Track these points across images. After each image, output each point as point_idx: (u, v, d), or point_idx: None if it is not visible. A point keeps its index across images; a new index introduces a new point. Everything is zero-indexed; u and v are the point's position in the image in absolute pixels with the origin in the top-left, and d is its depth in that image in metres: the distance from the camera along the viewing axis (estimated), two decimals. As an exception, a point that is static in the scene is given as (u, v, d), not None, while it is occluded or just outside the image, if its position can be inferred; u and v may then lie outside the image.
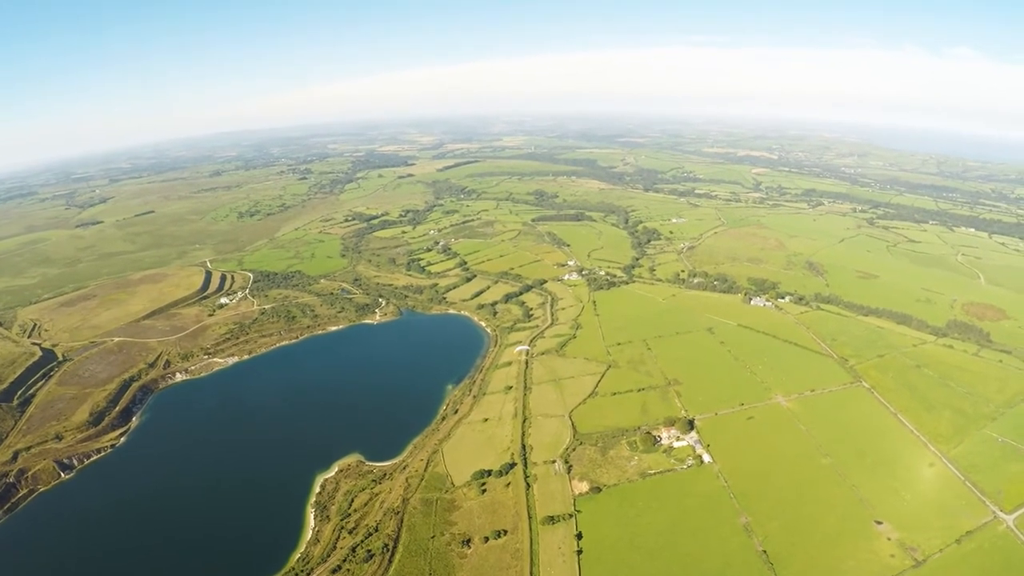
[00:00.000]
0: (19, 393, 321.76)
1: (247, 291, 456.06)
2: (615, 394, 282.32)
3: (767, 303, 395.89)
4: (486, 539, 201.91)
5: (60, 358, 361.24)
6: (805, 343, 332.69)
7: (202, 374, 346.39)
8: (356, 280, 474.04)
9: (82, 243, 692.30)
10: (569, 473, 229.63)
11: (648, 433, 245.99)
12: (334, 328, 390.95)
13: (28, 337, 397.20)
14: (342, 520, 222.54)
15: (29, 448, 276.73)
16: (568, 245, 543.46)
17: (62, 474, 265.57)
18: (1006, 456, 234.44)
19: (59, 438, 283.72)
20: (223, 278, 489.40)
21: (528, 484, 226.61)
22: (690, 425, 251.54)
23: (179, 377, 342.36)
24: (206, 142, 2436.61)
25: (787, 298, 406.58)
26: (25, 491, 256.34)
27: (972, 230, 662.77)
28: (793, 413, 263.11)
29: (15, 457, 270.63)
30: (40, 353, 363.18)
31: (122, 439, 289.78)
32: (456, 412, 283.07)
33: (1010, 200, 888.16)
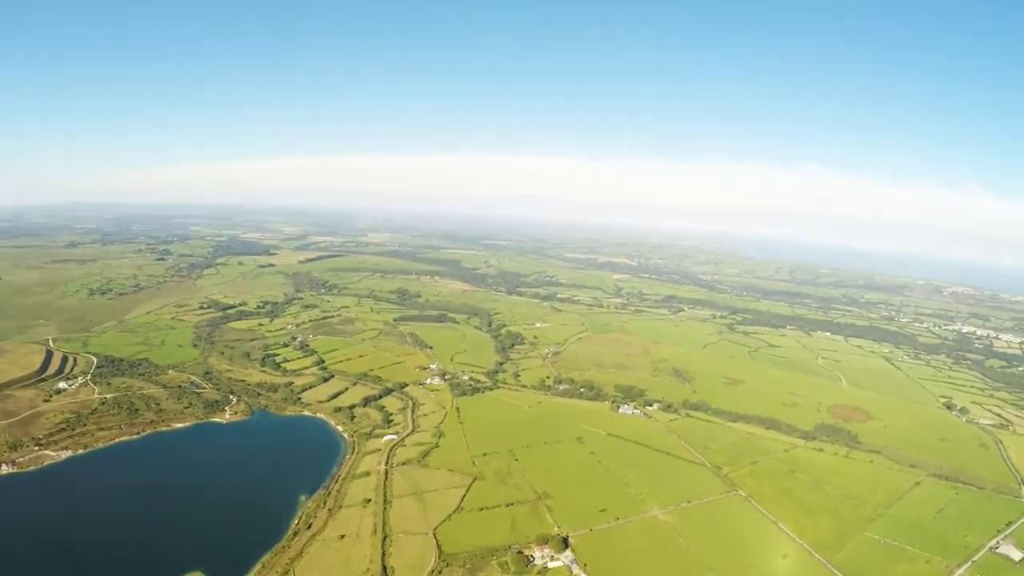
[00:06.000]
0: None
1: (89, 377, 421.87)
2: (482, 509, 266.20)
3: (636, 411, 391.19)
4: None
5: None
6: (677, 452, 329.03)
7: (30, 468, 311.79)
8: (207, 373, 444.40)
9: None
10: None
11: (520, 552, 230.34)
12: (180, 425, 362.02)
13: None
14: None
15: None
16: (431, 347, 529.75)
17: None
18: (890, 557, 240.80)
19: None
20: (64, 359, 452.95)
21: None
22: (564, 543, 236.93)
23: (4, 469, 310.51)
24: (66, 211, 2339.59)
25: (655, 405, 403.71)
26: None
27: (828, 334, 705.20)
28: (671, 526, 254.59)
29: None
30: None
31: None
32: (310, 527, 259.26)
33: (860, 304, 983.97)
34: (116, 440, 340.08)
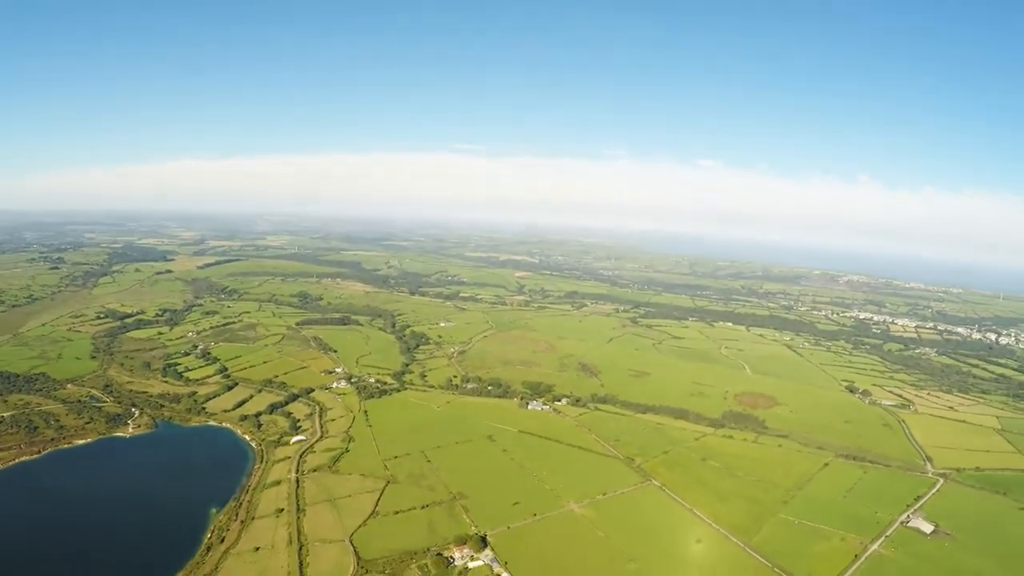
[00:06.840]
0: None
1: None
2: (398, 513, 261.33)
3: (544, 406, 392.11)
4: None
5: None
6: (589, 446, 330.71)
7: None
8: (107, 386, 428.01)
9: None
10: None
11: (439, 555, 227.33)
12: (81, 441, 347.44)
13: None
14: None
15: None
16: (335, 351, 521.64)
17: None
18: (806, 537, 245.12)
19: None
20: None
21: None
22: (483, 542, 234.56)
23: None
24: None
25: (564, 400, 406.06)
26: None
27: (730, 324, 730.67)
28: (589, 519, 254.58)
29: None
30: None
31: None
32: (223, 540, 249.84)
33: (760, 295, 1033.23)
34: (16, 461, 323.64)
